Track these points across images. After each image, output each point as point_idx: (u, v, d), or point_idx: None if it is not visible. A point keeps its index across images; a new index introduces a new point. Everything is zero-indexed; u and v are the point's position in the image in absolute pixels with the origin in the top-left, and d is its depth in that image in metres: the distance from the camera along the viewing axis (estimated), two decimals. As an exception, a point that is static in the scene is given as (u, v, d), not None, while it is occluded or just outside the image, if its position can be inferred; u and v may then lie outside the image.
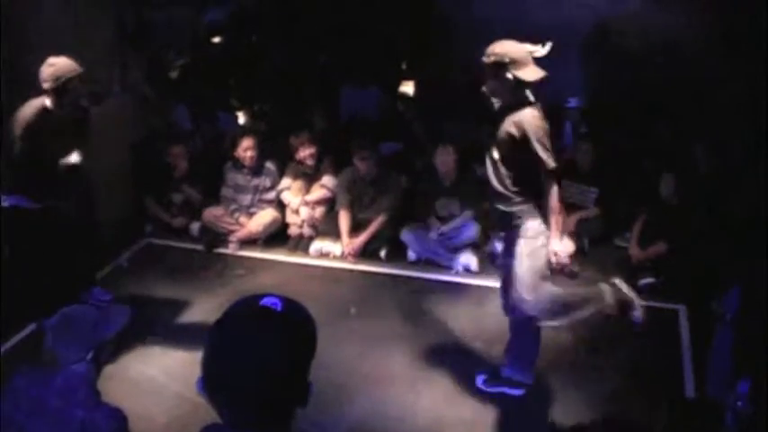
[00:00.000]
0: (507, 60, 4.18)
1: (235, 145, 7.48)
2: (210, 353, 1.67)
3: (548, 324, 4.69)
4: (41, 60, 5.24)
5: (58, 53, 5.27)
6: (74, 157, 5.48)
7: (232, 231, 7.38)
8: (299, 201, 7.39)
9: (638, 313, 4.93)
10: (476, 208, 6.81)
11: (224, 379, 1.64)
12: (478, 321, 5.80)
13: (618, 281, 4.99)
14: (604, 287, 4.86)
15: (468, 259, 6.73)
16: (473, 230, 6.81)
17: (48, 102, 5.28)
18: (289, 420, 1.72)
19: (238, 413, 1.66)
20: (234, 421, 1.68)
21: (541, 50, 4.24)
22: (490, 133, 4.45)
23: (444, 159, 6.84)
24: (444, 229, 6.82)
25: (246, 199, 7.51)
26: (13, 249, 5.61)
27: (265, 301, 1.70)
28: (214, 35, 10.45)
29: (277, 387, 1.64)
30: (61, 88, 5.20)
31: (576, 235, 6.95)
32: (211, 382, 1.67)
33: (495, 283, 6.50)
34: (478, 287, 6.46)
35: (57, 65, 5.21)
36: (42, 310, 5.45)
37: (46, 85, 5.20)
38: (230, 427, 1.69)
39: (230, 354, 1.64)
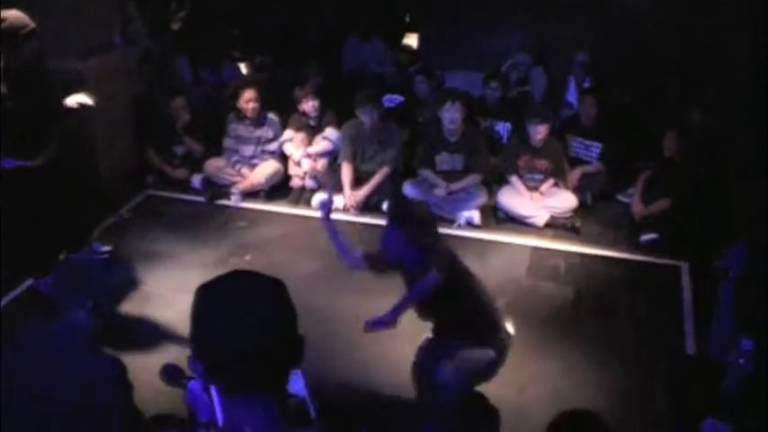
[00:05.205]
0: None
1: (237, 96, 7.41)
2: (203, 316, 1.64)
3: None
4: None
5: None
6: (82, 99, 5.25)
7: (234, 183, 7.34)
8: (302, 153, 7.35)
9: None
10: (478, 163, 6.83)
11: (220, 340, 1.60)
12: (481, 275, 5.78)
13: None
14: None
15: (472, 213, 6.71)
16: (481, 197, 6.85)
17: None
18: (285, 380, 1.69)
19: (235, 375, 1.63)
20: (230, 384, 1.66)
21: None
22: None
23: (453, 116, 6.73)
24: (453, 187, 6.77)
25: (249, 150, 7.46)
26: (10, 207, 5.55)
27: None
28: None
29: (273, 342, 1.61)
30: (12, 43, 4.89)
31: (578, 190, 6.93)
32: (206, 346, 1.63)
33: (497, 237, 6.54)
34: (481, 241, 6.46)
35: (8, 19, 4.89)
36: (40, 266, 5.49)
37: None
38: (226, 391, 1.67)
39: (225, 313, 1.61)
